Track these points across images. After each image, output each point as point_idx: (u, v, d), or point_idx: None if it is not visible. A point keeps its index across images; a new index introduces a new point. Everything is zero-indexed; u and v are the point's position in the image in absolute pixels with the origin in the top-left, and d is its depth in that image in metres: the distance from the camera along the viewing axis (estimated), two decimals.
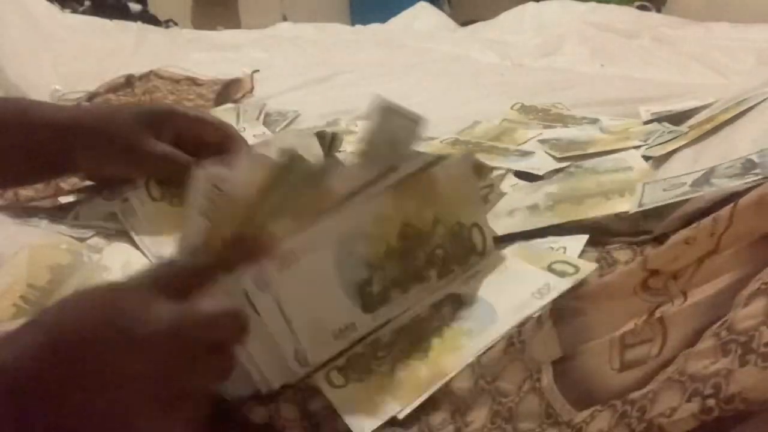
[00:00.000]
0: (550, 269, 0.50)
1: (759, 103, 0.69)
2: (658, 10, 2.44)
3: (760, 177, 0.53)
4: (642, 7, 2.30)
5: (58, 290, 0.57)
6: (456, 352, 0.46)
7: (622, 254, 0.52)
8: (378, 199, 0.49)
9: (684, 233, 0.43)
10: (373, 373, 0.46)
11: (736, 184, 0.53)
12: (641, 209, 0.57)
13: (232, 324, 0.42)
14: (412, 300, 0.50)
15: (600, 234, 0.56)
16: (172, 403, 0.40)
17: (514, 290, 0.49)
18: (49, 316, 0.40)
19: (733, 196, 0.47)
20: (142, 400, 0.39)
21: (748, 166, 0.58)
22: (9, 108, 0.67)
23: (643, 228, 0.55)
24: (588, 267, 0.50)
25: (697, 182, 0.58)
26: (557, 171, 0.71)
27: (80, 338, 0.39)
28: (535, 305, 0.47)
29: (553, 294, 0.47)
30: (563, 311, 0.45)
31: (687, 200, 0.54)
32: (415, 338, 0.48)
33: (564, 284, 0.48)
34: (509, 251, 0.55)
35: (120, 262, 0.60)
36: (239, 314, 0.42)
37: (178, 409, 0.41)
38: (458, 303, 0.50)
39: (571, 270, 0.50)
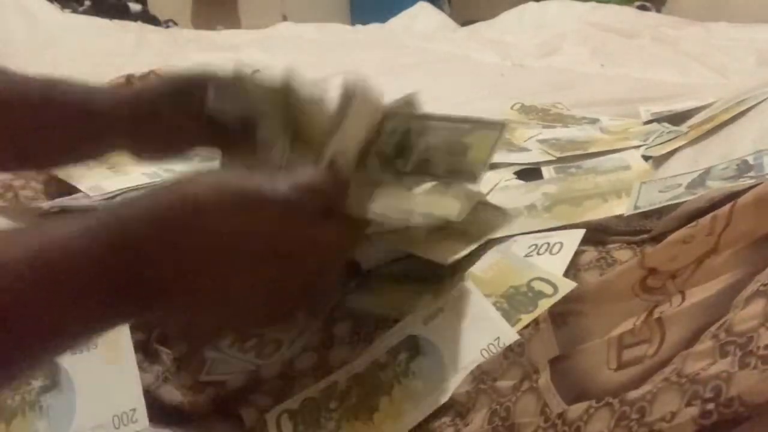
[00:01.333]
0: (528, 287, 0.49)
1: (759, 103, 0.69)
2: (658, 10, 2.44)
3: (754, 180, 0.53)
4: (642, 7, 2.30)
5: None
6: (398, 420, 0.45)
7: (621, 254, 0.52)
8: None
9: (682, 232, 0.43)
10: (320, 429, 0.47)
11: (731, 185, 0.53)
12: (636, 212, 0.57)
13: (337, 189, 0.44)
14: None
15: (598, 233, 0.56)
16: (282, 284, 0.41)
17: (468, 342, 0.48)
18: (172, 184, 0.42)
19: (733, 196, 0.47)
20: (253, 271, 0.40)
21: (743, 168, 0.58)
22: (42, 86, 0.65)
23: (642, 227, 0.55)
24: (567, 286, 0.48)
25: (693, 184, 0.58)
26: (556, 171, 0.71)
27: (200, 201, 0.40)
28: (480, 359, 0.46)
29: (503, 346, 0.46)
30: (563, 313, 0.44)
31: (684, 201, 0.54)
32: (368, 390, 0.48)
33: (513, 335, 0.46)
34: (487, 267, 0.54)
35: None
36: (344, 181, 0.44)
37: (287, 293, 0.42)
38: (415, 350, 0.49)
39: (549, 290, 0.49)
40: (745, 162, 0.59)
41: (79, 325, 0.38)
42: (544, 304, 0.48)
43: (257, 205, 0.41)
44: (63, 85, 0.64)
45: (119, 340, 0.51)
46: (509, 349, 0.44)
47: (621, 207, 0.59)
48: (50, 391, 0.48)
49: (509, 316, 0.48)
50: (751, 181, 0.51)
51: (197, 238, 0.40)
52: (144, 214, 0.40)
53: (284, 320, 0.44)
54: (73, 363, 0.49)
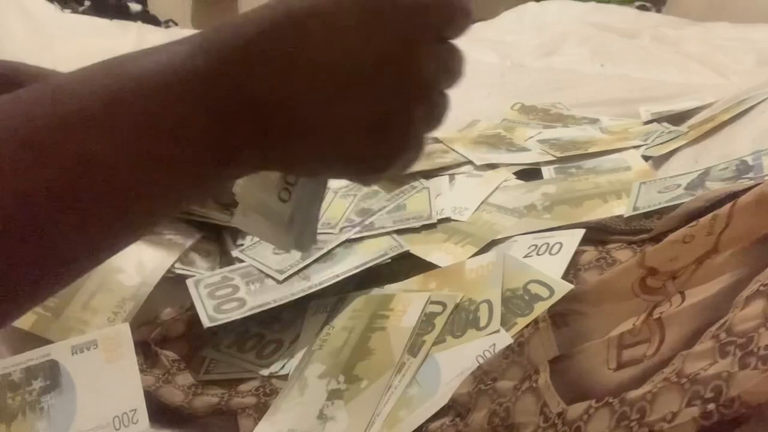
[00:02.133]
0: (525, 290, 0.50)
1: (759, 103, 0.69)
2: (658, 10, 2.44)
3: (753, 181, 0.53)
4: (642, 7, 2.29)
5: (73, 295, 0.57)
6: (395, 427, 0.45)
7: (621, 254, 0.52)
8: None
9: (682, 232, 0.43)
10: None
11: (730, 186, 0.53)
12: (635, 213, 0.57)
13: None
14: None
15: (599, 232, 0.56)
16: (387, 115, 0.36)
17: (464, 348, 0.48)
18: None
19: (732, 196, 0.47)
20: (361, 93, 0.35)
21: (742, 168, 0.58)
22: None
23: (642, 226, 0.55)
24: (563, 288, 0.49)
25: (692, 185, 0.58)
26: (557, 172, 0.71)
27: (316, 12, 0.34)
28: (475, 365, 0.46)
29: (498, 348, 0.46)
30: (563, 313, 0.44)
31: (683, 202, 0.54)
32: None
33: (508, 340, 0.47)
34: (476, 267, 0.54)
35: (133, 262, 0.60)
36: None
37: (391, 125, 0.36)
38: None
39: (545, 293, 0.49)
40: (744, 162, 0.59)
41: (173, 177, 0.32)
42: (540, 307, 0.48)
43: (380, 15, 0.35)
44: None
45: (120, 340, 0.51)
46: (509, 348, 0.44)
47: (621, 207, 0.59)
48: (51, 392, 0.48)
49: (505, 320, 0.48)
50: (750, 182, 0.51)
51: (314, 44, 0.34)
52: (249, 30, 0.33)
53: (387, 159, 0.39)
54: (74, 363, 0.49)
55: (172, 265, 0.60)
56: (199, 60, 0.32)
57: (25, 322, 0.55)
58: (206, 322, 0.53)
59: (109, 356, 0.50)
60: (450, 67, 0.38)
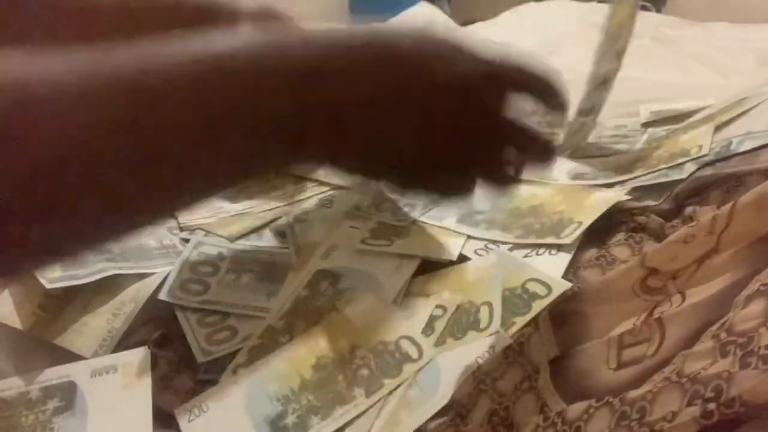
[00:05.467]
0: (523, 289, 0.50)
1: (759, 104, 0.69)
2: (658, 10, 2.44)
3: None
4: (642, 7, 2.29)
5: (73, 297, 0.57)
6: (395, 429, 0.44)
7: (620, 251, 0.52)
8: (285, 351, 0.50)
9: (683, 232, 0.43)
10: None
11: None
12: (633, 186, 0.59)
13: (536, 138, 0.43)
14: (341, 421, 0.46)
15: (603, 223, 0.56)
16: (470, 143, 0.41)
17: (464, 350, 0.48)
18: (383, 29, 0.41)
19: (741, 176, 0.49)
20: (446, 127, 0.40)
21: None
22: None
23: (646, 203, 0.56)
24: (561, 286, 0.49)
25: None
26: None
27: (410, 52, 0.39)
28: (476, 364, 0.46)
29: (498, 349, 0.46)
30: (563, 313, 0.44)
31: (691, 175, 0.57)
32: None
33: (507, 340, 0.46)
34: (489, 266, 0.54)
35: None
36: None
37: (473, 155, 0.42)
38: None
39: (542, 291, 0.49)
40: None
41: (245, 154, 0.34)
42: (538, 305, 0.48)
43: (462, 63, 0.40)
44: None
45: (139, 367, 0.51)
46: (510, 348, 0.44)
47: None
48: (63, 413, 0.48)
49: (504, 320, 0.48)
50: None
51: (385, 85, 0.38)
52: (339, 47, 0.37)
53: (438, 180, 0.43)
54: (91, 387, 0.49)
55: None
56: (284, 61, 0.34)
57: (24, 323, 0.55)
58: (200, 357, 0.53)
59: (127, 382, 0.50)
60: (525, 146, 0.43)
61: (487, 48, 0.41)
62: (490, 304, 0.50)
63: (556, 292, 0.48)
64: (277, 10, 0.59)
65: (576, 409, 0.38)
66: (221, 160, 0.33)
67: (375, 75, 0.37)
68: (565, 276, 0.51)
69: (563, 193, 0.62)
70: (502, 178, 0.45)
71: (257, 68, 0.33)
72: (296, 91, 0.34)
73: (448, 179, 0.43)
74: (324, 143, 0.37)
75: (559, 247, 0.54)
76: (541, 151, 0.45)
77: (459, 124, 0.40)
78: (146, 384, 0.50)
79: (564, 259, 0.53)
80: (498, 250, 0.56)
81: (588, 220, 0.55)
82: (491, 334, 0.47)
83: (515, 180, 0.45)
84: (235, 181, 0.39)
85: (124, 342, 0.54)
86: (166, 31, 0.49)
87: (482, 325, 0.49)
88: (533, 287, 0.50)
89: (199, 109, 0.31)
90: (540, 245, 0.55)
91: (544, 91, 0.44)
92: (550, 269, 0.52)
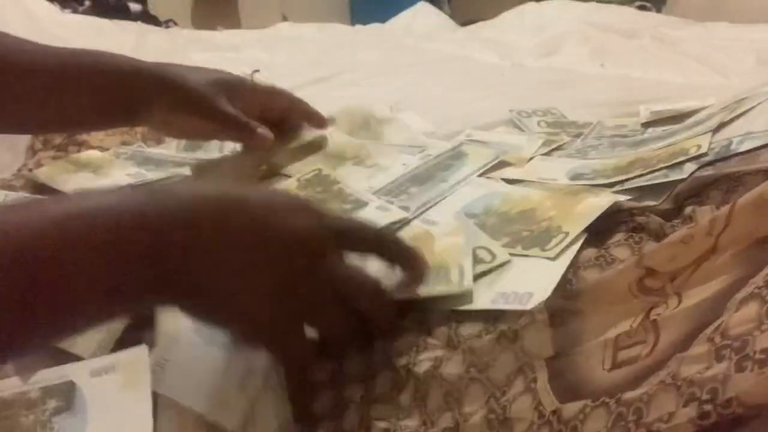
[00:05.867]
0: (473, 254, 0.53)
1: (759, 104, 0.69)
2: (658, 10, 2.44)
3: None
4: (642, 7, 2.30)
5: None
6: None
7: (620, 252, 0.52)
8: None
9: (682, 232, 0.43)
10: None
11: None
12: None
13: (371, 290, 0.46)
14: None
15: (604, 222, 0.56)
16: (283, 313, 0.43)
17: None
18: (208, 184, 0.46)
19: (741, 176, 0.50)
20: (261, 289, 0.42)
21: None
22: (87, 54, 0.69)
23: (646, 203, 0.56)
24: (503, 256, 0.53)
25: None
26: None
27: (231, 206, 0.42)
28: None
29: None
30: (561, 312, 0.44)
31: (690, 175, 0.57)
32: None
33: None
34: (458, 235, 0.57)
35: None
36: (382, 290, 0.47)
37: (287, 323, 0.44)
38: None
39: (487, 257, 0.53)
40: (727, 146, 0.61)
41: (93, 304, 0.39)
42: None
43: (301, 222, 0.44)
44: (100, 53, 0.69)
45: (138, 367, 0.51)
46: (503, 334, 0.44)
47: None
48: (62, 413, 0.48)
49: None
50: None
51: (230, 237, 0.41)
52: (180, 204, 0.41)
53: (285, 336, 0.46)
54: (91, 387, 0.49)
55: None
56: (130, 218, 0.39)
57: None
58: None
59: (126, 382, 0.50)
60: (359, 299, 0.46)
61: (339, 215, 0.47)
62: (461, 266, 0.52)
63: (498, 261, 0.53)
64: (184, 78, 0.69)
65: (571, 408, 0.38)
66: (86, 300, 0.38)
67: (217, 229, 0.41)
68: (564, 276, 0.51)
69: (556, 196, 0.62)
70: (339, 331, 0.47)
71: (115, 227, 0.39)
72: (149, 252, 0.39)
73: (286, 334, 0.46)
74: (171, 291, 0.41)
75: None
76: (377, 306, 0.48)
77: (291, 276, 0.43)
78: (146, 384, 0.49)
79: (564, 259, 0.53)
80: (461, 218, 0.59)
81: (575, 231, 0.55)
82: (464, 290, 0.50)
83: (357, 331, 0.47)
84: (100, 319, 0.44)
85: (122, 342, 0.54)
86: (93, 91, 0.64)
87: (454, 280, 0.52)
88: (481, 254, 0.53)
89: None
90: (526, 257, 0.55)
91: (397, 259, 0.48)
92: (550, 270, 0.52)
